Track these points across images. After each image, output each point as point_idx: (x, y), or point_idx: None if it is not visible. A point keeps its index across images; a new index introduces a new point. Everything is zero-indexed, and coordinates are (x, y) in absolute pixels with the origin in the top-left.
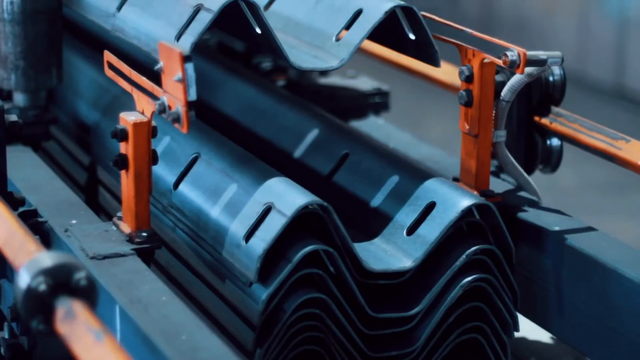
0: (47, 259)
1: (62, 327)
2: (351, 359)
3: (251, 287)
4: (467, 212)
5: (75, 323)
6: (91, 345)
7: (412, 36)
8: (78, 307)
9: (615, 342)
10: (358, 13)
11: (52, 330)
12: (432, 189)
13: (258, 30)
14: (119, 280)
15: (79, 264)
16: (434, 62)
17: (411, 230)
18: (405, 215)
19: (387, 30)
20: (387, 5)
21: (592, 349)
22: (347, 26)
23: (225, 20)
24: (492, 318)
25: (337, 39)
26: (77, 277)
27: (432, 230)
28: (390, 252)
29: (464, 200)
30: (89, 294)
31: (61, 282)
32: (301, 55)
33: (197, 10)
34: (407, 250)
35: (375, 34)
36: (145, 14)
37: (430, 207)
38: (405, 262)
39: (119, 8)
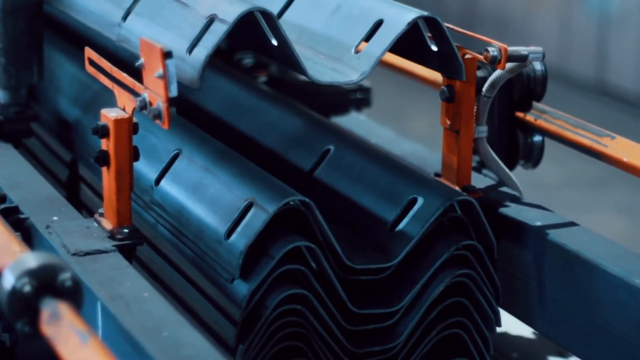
0: (32, 259)
1: (47, 328)
2: (333, 354)
3: (233, 284)
4: (449, 207)
5: (60, 325)
6: (77, 347)
7: (434, 48)
8: (63, 309)
9: (598, 337)
10: (378, 24)
11: (37, 332)
12: (414, 184)
13: (274, 42)
14: (101, 276)
15: (64, 264)
16: (458, 75)
17: (393, 226)
18: (387, 212)
19: (407, 40)
20: (410, 16)
21: (574, 344)
22: (367, 37)
23: (239, 31)
24: (474, 313)
25: (357, 51)
26: (62, 278)
27: (413, 226)
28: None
29: (446, 196)
30: (75, 295)
31: (46, 283)
32: (319, 67)
33: (211, 21)
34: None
35: (394, 45)
36: (154, 24)
37: (412, 203)
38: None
39: (125, 18)
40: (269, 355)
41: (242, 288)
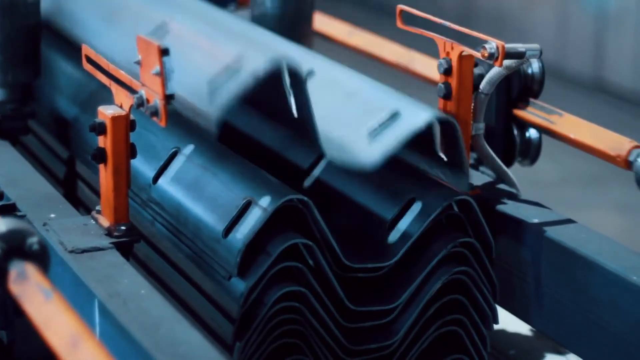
0: (2, 224)
1: (14, 287)
2: (331, 352)
3: (230, 281)
4: (447, 205)
5: (26, 284)
6: (41, 304)
7: (443, 156)
8: (30, 270)
9: (595, 334)
10: (394, 115)
11: (5, 291)
12: (413, 183)
13: (295, 112)
14: (98, 274)
15: (32, 230)
16: (461, 184)
17: (391, 225)
18: (386, 210)
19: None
20: (427, 115)
21: (571, 341)
22: (381, 127)
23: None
24: (472, 311)
25: (371, 137)
26: (30, 242)
27: (411, 225)
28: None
29: (445, 196)
30: (42, 257)
31: (15, 247)
32: (332, 146)
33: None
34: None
35: None
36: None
37: (410, 202)
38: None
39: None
40: (266, 353)
41: (239, 285)
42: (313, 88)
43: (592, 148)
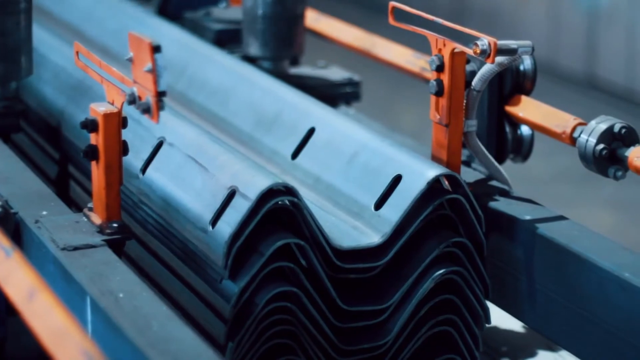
0: None
1: None
2: (323, 352)
3: (223, 281)
4: (438, 200)
5: None
6: (2, 261)
7: (449, 212)
8: None
9: (587, 331)
10: (397, 179)
11: None
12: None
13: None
14: (90, 271)
15: None
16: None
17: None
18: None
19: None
20: (430, 174)
21: (564, 338)
22: (386, 192)
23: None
24: (464, 310)
25: (376, 208)
26: None
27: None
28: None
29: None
30: (4, 220)
31: None
32: (340, 225)
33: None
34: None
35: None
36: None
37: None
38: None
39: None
40: (259, 353)
41: (232, 285)
42: (313, 154)
43: (539, 126)
